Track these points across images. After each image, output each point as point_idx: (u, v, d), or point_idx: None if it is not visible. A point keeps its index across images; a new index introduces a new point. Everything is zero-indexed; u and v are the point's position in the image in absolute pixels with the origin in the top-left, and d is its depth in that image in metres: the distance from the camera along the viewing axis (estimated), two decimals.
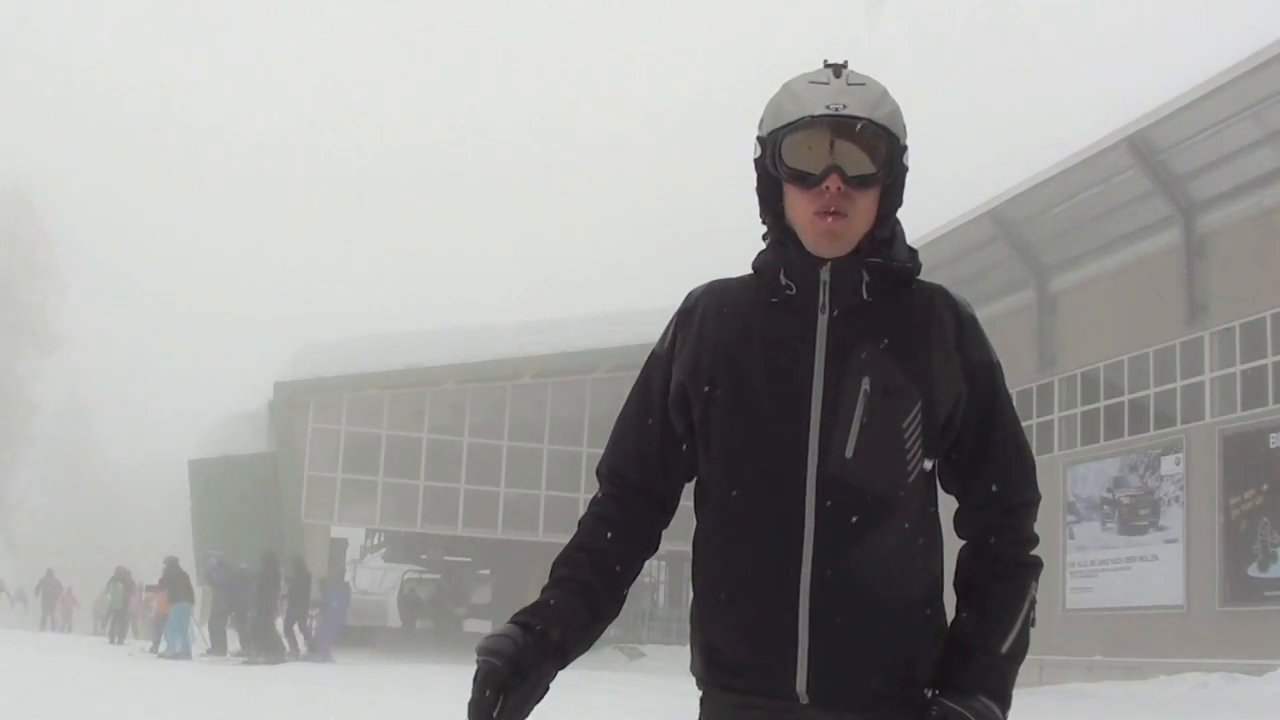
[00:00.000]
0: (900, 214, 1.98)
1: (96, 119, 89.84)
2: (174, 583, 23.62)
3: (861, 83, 1.89)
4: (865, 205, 1.88)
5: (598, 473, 2.05)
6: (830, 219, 1.87)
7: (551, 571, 1.97)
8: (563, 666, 1.90)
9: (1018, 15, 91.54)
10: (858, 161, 1.86)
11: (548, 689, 1.87)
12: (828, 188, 1.85)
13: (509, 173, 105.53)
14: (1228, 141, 22.00)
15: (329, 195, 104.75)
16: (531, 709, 1.84)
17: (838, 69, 1.91)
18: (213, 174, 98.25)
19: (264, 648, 22.64)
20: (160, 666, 19.74)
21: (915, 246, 2.00)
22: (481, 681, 1.79)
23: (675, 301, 2.05)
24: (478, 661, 1.81)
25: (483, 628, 36.94)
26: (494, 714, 1.78)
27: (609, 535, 1.98)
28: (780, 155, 1.89)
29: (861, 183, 1.86)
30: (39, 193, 58.69)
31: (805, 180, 1.87)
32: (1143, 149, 23.31)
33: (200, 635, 24.38)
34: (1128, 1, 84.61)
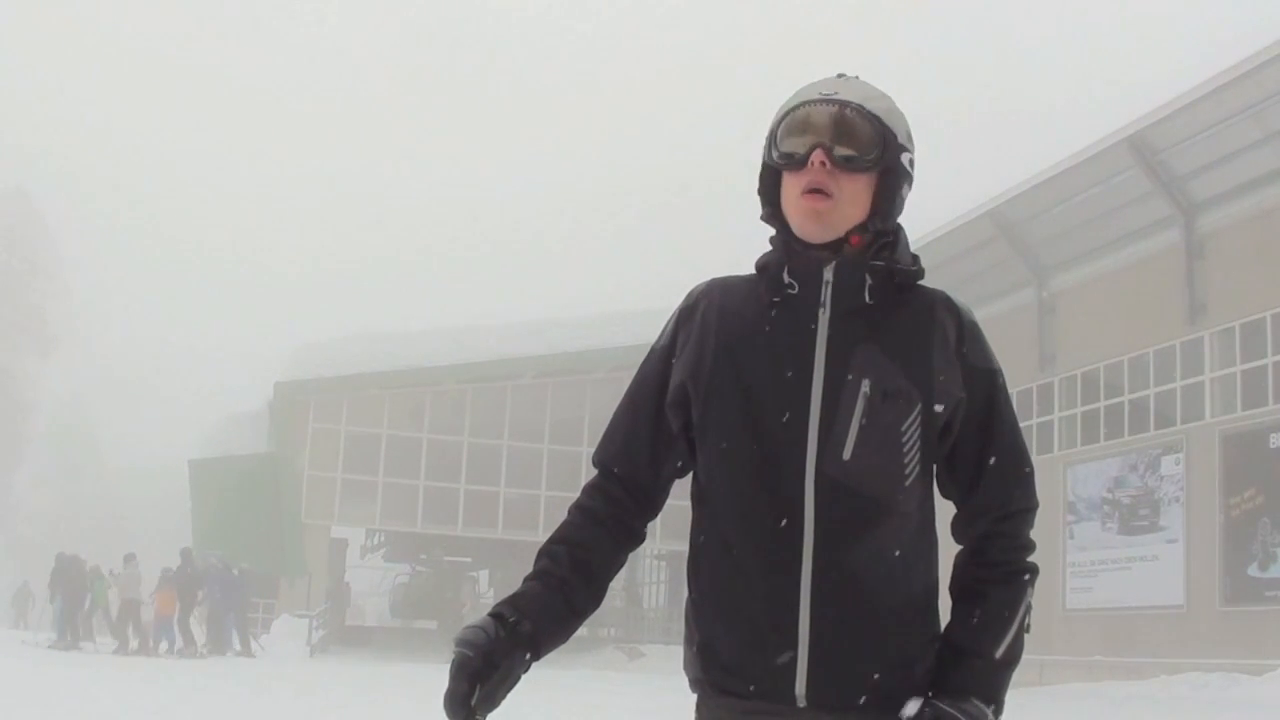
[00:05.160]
0: (901, 214, 1.99)
1: (98, 119, 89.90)
2: (68, 580, 24.50)
3: (864, 84, 1.94)
4: (854, 190, 1.89)
5: (592, 461, 2.07)
6: (814, 197, 1.88)
7: (536, 560, 1.99)
8: (536, 658, 1.92)
9: (1018, 15, 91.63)
10: (846, 143, 1.88)
11: (519, 678, 1.89)
12: (812, 163, 1.87)
13: (510, 164, 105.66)
14: (1228, 141, 22.01)
15: (329, 195, 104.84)
16: (503, 698, 1.87)
17: (845, 77, 1.96)
18: (213, 173, 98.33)
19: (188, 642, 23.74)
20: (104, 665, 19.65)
21: (916, 246, 2.01)
22: (455, 672, 1.83)
23: (674, 301, 2.05)
24: (453, 653, 1.85)
25: None
26: (471, 703, 1.82)
27: (591, 529, 1.99)
28: (776, 141, 1.93)
29: (848, 163, 1.87)
30: (39, 192, 58.72)
31: (793, 160, 1.90)
32: (1143, 149, 23.33)
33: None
34: (1128, 2, 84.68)
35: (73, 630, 24.05)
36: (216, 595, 24.68)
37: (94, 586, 25.10)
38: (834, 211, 1.88)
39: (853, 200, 1.89)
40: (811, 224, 1.89)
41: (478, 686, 1.82)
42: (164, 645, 23.98)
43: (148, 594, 24.58)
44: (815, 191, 1.87)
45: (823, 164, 1.86)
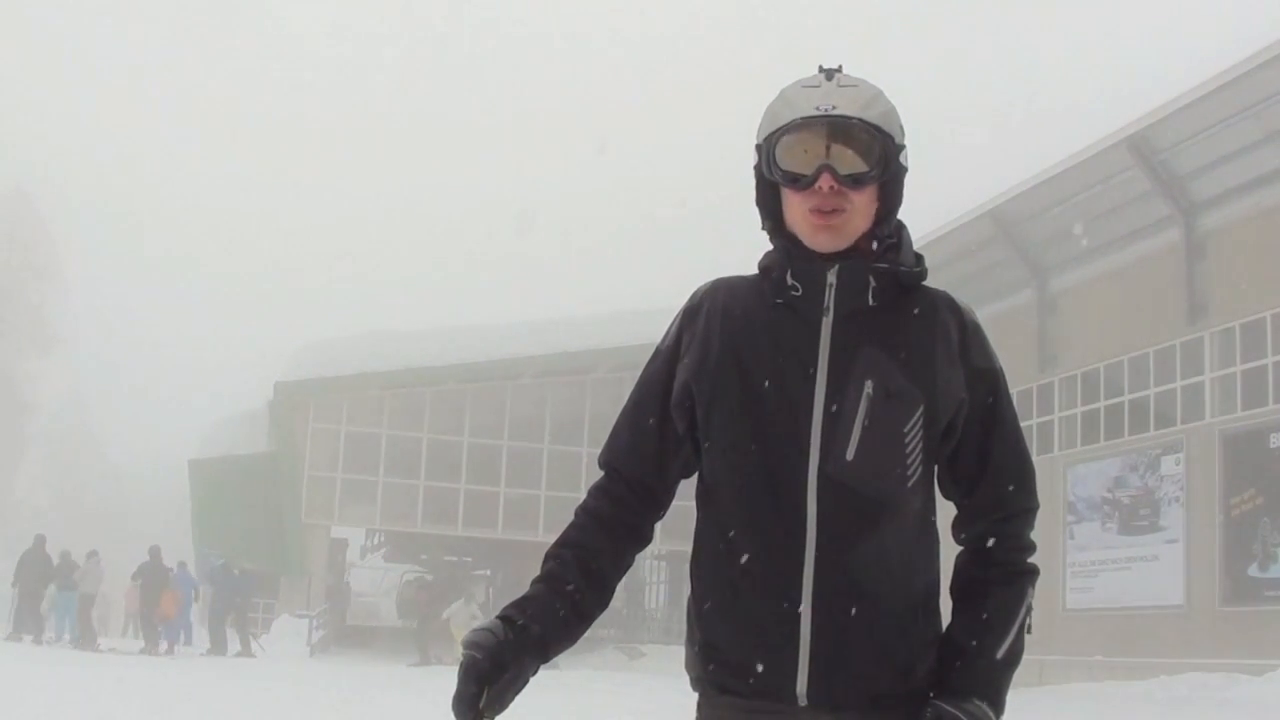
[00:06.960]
0: (901, 214, 1.99)
1: (98, 120, 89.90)
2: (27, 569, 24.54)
3: (854, 84, 1.91)
4: (862, 203, 1.89)
5: (598, 462, 2.07)
6: (826, 215, 1.88)
7: (543, 563, 2.00)
8: (544, 660, 1.93)
9: (1018, 15, 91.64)
10: (850, 160, 1.87)
11: (528, 681, 1.90)
12: (820, 187, 1.86)
13: (511, 165, 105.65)
14: (1228, 141, 22.00)
15: (329, 196, 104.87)
16: (512, 699, 1.88)
17: (830, 72, 1.92)
18: (213, 174, 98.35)
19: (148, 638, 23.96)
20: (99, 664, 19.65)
21: (916, 246, 2.01)
22: (463, 674, 1.84)
23: (674, 300, 2.05)
24: (462, 655, 1.86)
25: None
26: (480, 705, 1.82)
27: (597, 531, 2.00)
28: (774, 159, 1.91)
29: (855, 181, 1.87)
30: (39, 193, 58.72)
31: (798, 181, 1.89)
32: (1143, 149, 23.32)
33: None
34: (1128, 1, 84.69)
35: (35, 621, 23.72)
36: (189, 596, 24.89)
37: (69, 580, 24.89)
38: (846, 225, 1.89)
39: (861, 212, 1.90)
40: (824, 238, 1.90)
41: (486, 689, 1.83)
42: (164, 645, 23.97)
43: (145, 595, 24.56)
44: (827, 211, 1.88)
45: (831, 187, 1.86)
